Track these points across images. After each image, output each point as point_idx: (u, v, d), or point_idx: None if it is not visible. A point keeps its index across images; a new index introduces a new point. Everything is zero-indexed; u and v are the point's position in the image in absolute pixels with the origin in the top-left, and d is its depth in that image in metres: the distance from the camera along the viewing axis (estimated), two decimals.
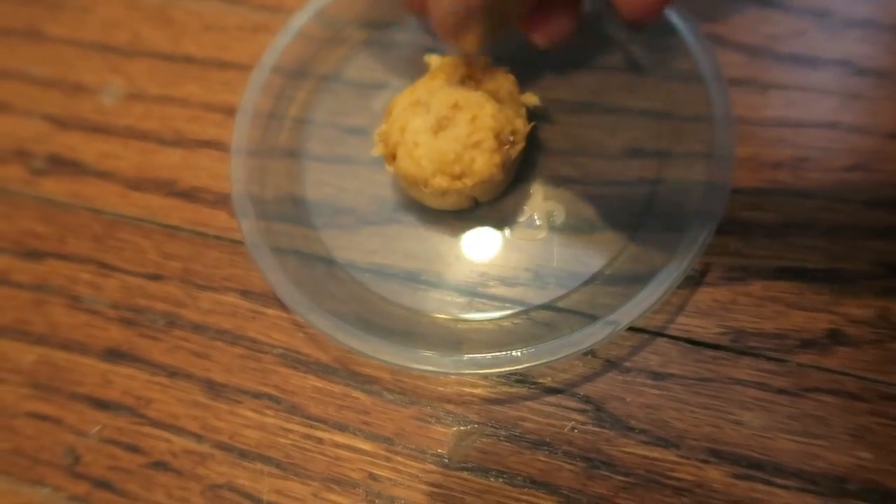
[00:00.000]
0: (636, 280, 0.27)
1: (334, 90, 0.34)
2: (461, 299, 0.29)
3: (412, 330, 0.29)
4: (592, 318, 0.27)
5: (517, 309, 0.29)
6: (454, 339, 0.28)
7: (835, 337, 0.27)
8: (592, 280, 0.29)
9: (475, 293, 0.29)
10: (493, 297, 0.29)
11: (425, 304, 0.29)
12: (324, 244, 0.31)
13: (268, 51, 0.33)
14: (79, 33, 0.39)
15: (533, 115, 0.30)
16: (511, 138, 0.28)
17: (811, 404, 0.26)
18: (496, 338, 0.28)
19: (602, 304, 0.28)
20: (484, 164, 0.27)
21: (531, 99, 0.29)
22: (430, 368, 0.26)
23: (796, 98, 0.31)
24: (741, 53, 0.33)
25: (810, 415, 0.26)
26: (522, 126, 0.29)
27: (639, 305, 0.26)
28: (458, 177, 0.28)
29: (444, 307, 0.29)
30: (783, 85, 0.32)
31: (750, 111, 0.31)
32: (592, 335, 0.26)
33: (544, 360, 0.26)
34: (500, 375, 0.28)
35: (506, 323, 0.29)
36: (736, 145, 0.29)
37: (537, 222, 0.30)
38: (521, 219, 0.30)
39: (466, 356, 0.26)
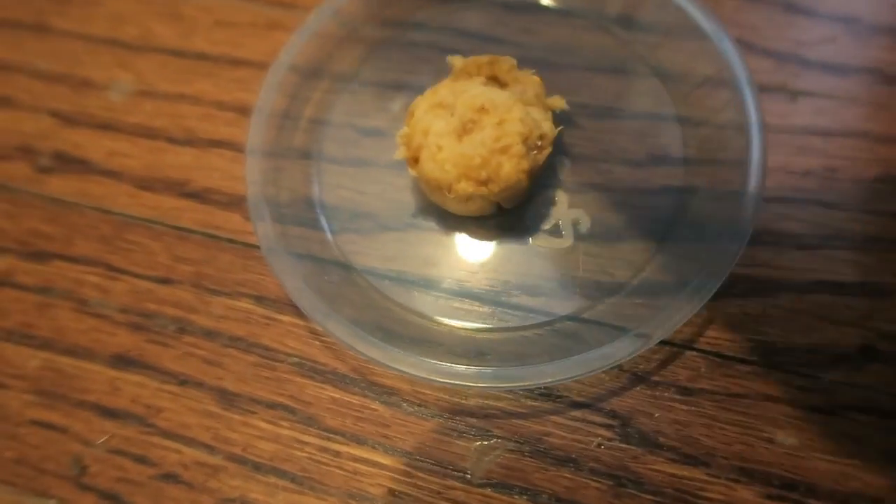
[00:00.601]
0: (665, 291, 0.27)
1: (351, 90, 0.33)
2: (483, 308, 0.28)
3: (433, 339, 0.28)
4: (620, 330, 0.26)
5: (541, 319, 0.28)
6: (476, 350, 0.27)
7: (867, 353, 0.26)
8: (619, 290, 0.28)
9: (498, 302, 0.28)
10: (516, 307, 0.28)
11: (446, 314, 0.28)
12: (341, 249, 0.30)
13: (284, 49, 0.32)
14: (87, 27, 0.38)
15: (558, 119, 0.29)
16: (539, 143, 0.27)
17: (844, 423, 0.26)
18: (520, 349, 0.27)
19: (630, 315, 0.27)
20: (511, 169, 0.26)
21: (558, 103, 0.29)
22: (453, 381, 0.25)
23: (825, 106, 0.31)
24: (769, 59, 0.32)
25: (844, 433, 0.25)
26: (550, 131, 0.28)
27: (671, 318, 0.25)
28: (484, 182, 0.27)
29: (466, 316, 0.28)
30: (812, 92, 0.31)
31: (778, 119, 0.31)
32: (622, 349, 0.25)
33: (572, 375, 0.25)
34: (524, 389, 0.27)
35: (529, 334, 0.28)
36: (767, 153, 0.28)
37: (562, 230, 0.29)
38: (546, 226, 0.29)
39: (490, 368, 0.26)
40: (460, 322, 0.28)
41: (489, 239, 0.29)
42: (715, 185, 0.29)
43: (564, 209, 0.30)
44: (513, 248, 0.29)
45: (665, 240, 0.28)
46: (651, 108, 0.31)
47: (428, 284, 0.29)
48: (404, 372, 0.26)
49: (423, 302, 0.29)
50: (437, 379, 0.26)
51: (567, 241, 0.29)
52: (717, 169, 0.29)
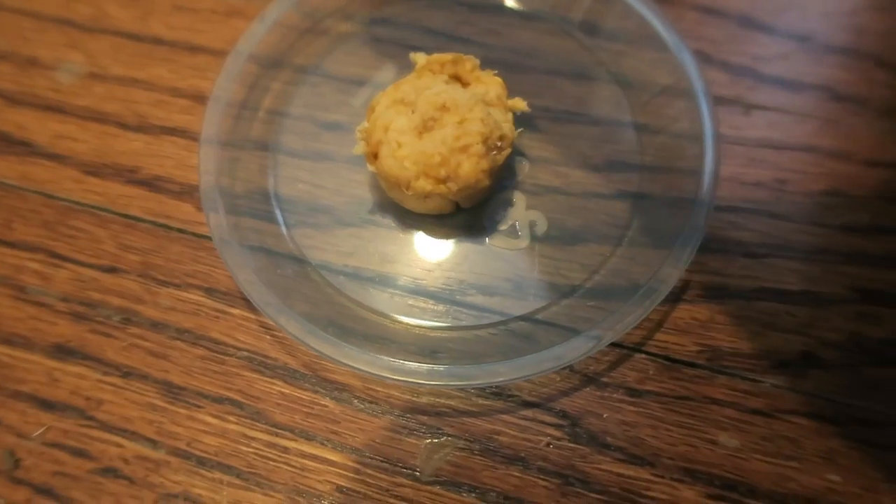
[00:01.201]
0: (617, 294, 0.27)
1: (312, 83, 0.33)
2: (438, 307, 0.28)
3: (386, 336, 0.28)
4: (572, 332, 0.26)
5: (495, 319, 0.28)
6: (430, 348, 0.27)
7: (808, 359, 0.27)
8: (573, 292, 0.28)
9: (453, 301, 0.28)
10: (471, 306, 0.28)
11: (401, 311, 0.28)
12: (296, 243, 0.29)
13: (244, 37, 0.31)
14: (36, 4, 0.36)
15: (518, 121, 0.29)
16: (499, 144, 0.27)
17: (784, 426, 0.26)
18: (473, 348, 0.27)
19: (582, 317, 0.27)
20: (471, 169, 0.26)
21: (519, 104, 0.29)
22: (404, 378, 0.25)
23: (778, 120, 0.32)
24: (726, 72, 0.33)
25: (783, 436, 0.26)
26: (510, 132, 0.28)
27: (621, 321, 0.26)
28: (443, 180, 0.27)
29: (421, 314, 0.28)
30: (766, 106, 0.32)
31: (732, 130, 0.31)
32: (573, 350, 0.25)
33: (524, 374, 0.25)
34: (476, 387, 0.27)
35: (483, 333, 0.28)
36: (721, 163, 0.29)
37: (519, 231, 0.29)
38: (503, 227, 0.29)
39: (443, 367, 0.26)
40: (415, 320, 0.28)
41: (446, 238, 0.29)
42: (669, 192, 0.29)
43: (522, 210, 0.30)
44: (469, 247, 0.29)
45: (619, 244, 0.29)
46: (610, 114, 0.31)
47: (383, 281, 0.29)
48: (356, 368, 0.25)
49: (379, 299, 0.28)
50: (390, 376, 0.25)
51: (523, 242, 0.29)
52: (671, 176, 0.29)
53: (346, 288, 0.29)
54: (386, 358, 0.25)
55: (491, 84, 0.29)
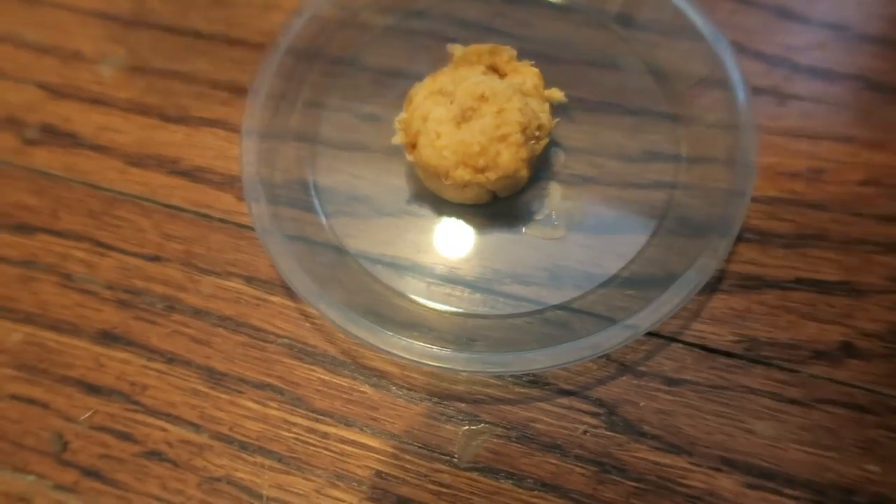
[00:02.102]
0: (653, 284, 0.27)
1: (349, 75, 0.33)
2: (475, 296, 0.29)
3: (423, 324, 0.28)
4: (609, 321, 0.26)
5: (532, 308, 0.28)
6: (466, 336, 0.28)
7: (847, 349, 0.27)
8: (609, 282, 0.28)
9: (490, 290, 0.29)
10: (507, 295, 0.28)
11: (438, 299, 0.29)
12: (334, 232, 0.30)
13: (283, 31, 0.32)
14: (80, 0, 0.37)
15: (554, 112, 0.29)
16: (537, 133, 0.28)
17: (822, 416, 0.26)
18: (510, 336, 0.28)
19: (619, 306, 0.27)
20: (510, 158, 0.27)
21: (556, 94, 0.29)
22: (442, 365, 0.26)
23: (814, 110, 0.32)
24: (761, 63, 0.33)
25: (821, 426, 0.26)
26: (548, 122, 0.28)
27: (658, 311, 0.26)
28: (482, 170, 0.27)
29: (458, 303, 0.28)
30: (801, 96, 0.32)
31: (768, 120, 0.31)
32: (610, 339, 0.26)
33: (560, 362, 0.26)
34: (513, 375, 0.27)
35: (520, 322, 0.28)
36: (757, 154, 0.29)
37: (555, 221, 0.30)
38: (539, 217, 0.30)
39: (480, 354, 0.26)
40: (451, 308, 0.28)
41: (483, 227, 0.30)
42: (705, 183, 0.29)
43: (558, 200, 0.30)
44: (506, 236, 0.30)
45: (655, 234, 0.29)
46: (645, 104, 0.31)
47: (420, 270, 0.29)
48: (395, 355, 0.26)
49: (416, 287, 0.29)
50: (427, 362, 0.26)
51: (559, 232, 0.29)
52: (707, 167, 0.29)
53: (383, 276, 0.29)
54: (423, 345, 0.26)
55: (528, 74, 0.29)
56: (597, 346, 0.26)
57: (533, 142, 0.27)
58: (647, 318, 0.26)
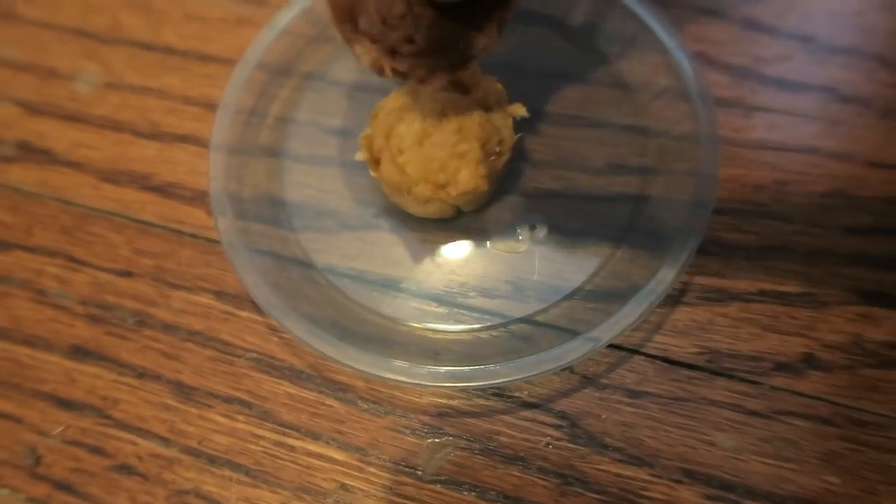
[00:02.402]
0: (616, 296, 0.27)
1: (319, 90, 0.33)
2: (440, 309, 0.29)
3: (389, 338, 0.28)
4: (572, 334, 0.27)
5: (496, 321, 0.28)
6: (431, 350, 0.28)
7: (809, 361, 0.27)
8: (572, 295, 0.29)
9: (454, 303, 0.29)
10: (472, 308, 0.29)
11: (403, 313, 0.29)
12: (302, 247, 0.30)
13: (252, 46, 0.32)
14: (55, 16, 0.37)
15: (519, 125, 0.30)
16: (497, 149, 0.28)
17: (783, 427, 0.26)
18: (474, 350, 0.28)
19: (582, 319, 0.28)
20: (469, 175, 0.27)
21: (519, 110, 0.29)
22: (406, 379, 0.26)
23: (780, 122, 0.32)
24: (727, 74, 0.33)
25: (782, 438, 0.26)
26: (509, 137, 0.28)
27: (619, 323, 0.26)
28: (443, 186, 0.27)
29: (423, 317, 0.29)
30: (768, 108, 0.32)
31: (734, 132, 0.32)
32: (572, 351, 0.26)
33: (523, 375, 0.26)
34: (476, 388, 0.28)
35: (484, 335, 0.28)
36: (719, 166, 0.29)
37: (519, 235, 0.30)
38: (504, 230, 0.30)
39: (444, 368, 0.26)
40: (417, 322, 0.29)
41: (448, 241, 0.30)
42: (668, 195, 0.29)
43: (523, 214, 0.30)
44: (471, 250, 0.30)
45: (619, 246, 0.29)
46: (610, 117, 0.32)
47: (387, 284, 0.29)
48: (360, 370, 0.26)
49: (382, 301, 0.29)
50: (392, 377, 0.26)
51: (523, 246, 0.30)
52: (671, 179, 0.30)
53: (350, 291, 0.29)
54: (387, 360, 0.26)
55: (490, 89, 0.29)
56: (560, 359, 0.26)
57: (493, 157, 0.28)
58: (610, 330, 0.26)
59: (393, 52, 0.24)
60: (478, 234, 0.30)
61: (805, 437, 0.26)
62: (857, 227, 0.29)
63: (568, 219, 0.30)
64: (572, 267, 0.29)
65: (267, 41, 0.32)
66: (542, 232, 0.30)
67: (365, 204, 0.31)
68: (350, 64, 0.34)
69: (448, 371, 0.26)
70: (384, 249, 0.30)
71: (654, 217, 0.29)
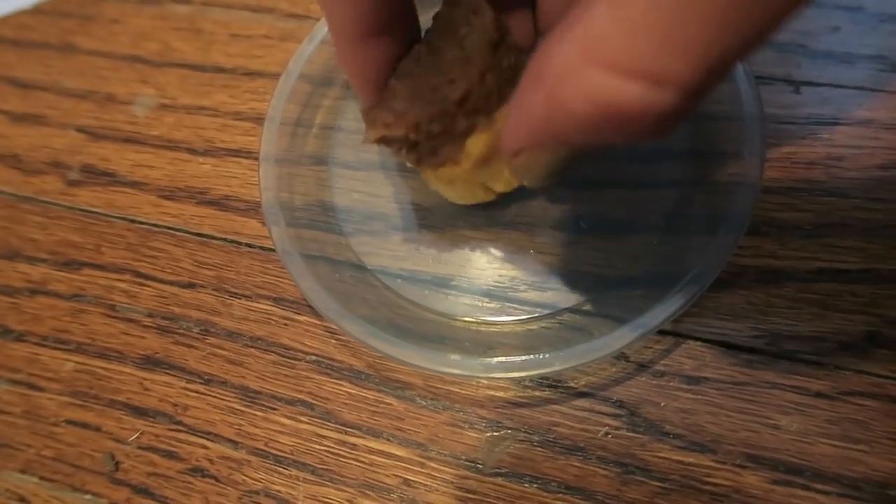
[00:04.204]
0: (667, 282, 0.27)
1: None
2: (492, 304, 0.29)
3: (443, 334, 0.29)
4: (621, 321, 0.26)
5: (547, 312, 0.29)
6: (485, 344, 0.28)
7: (873, 339, 0.27)
8: (623, 283, 0.28)
9: (505, 297, 0.29)
10: (523, 301, 0.29)
11: (456, 309, 0.29)
12: (354, 251, 0.31)
13: (293, 58, 0.33)
14: (110, 45, 0.39)
15: None
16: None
17: (850, 408, 0.26)
18: (527, 341, 0.28)
19: (633, 306, 0.27)
20: (473, 143, 0.26)
21: None
22: (458, 372, 0.26)
23: (830, 95, 0.31)
24: (773, 50, 0.32)
25: (850, 419, 0.26)
26: None
27: (667, 309, 0.26)
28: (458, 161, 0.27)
29: (475, 312, 0.29)
30: (816, 82, 0.31)
31: (782, 109, 0.31)
32: (621, 338, 0.26)
33: (573, 364, 0.26)
34: (531, 380, 0.28)
35: (535, 326, 0.29)
36: (766, 145, 0.28)
37: (567, 225, 0.30)
38: (551, 222, 0.30)
39: (496, 359, 0.26)
40: (470, 317, 0.29)
41: (497, 236, 0.30)
42: (715, 178, 0.29)
43: (570, 205, 0.30)
44: (519, 244, 0.30)
45: (667, 232, 0.29)
46: None
47: (438, 282, 0.30)
48: (414, 366, 0.27)
49: (434, 299, 0.30)
50: (446, 371, 0.26)
51: (572, 236, 0.30)
52: (716, 161, 0.29)
53: (403, 290, 0.30)
54: (441, 354, 0.26)
55: None
56: (609, 346, 0.25)
57: (499, 125, 0.27)
58: (658, 316, 0.26)
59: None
60: (525, 227, 0.30)
61: (874, 416, 0.26)
62: None
63: (614, 206, 0.30)
64: (621, 255, 0.29)
65: (308, 53, 0.33)
66: (588, 221, 0.30)
67: (413, 205, 0.32)
68: None
69: (500, 362, 0.26)
70: (434, 249, 0.30)
71: (702, 201, 0.29)
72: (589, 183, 0.31)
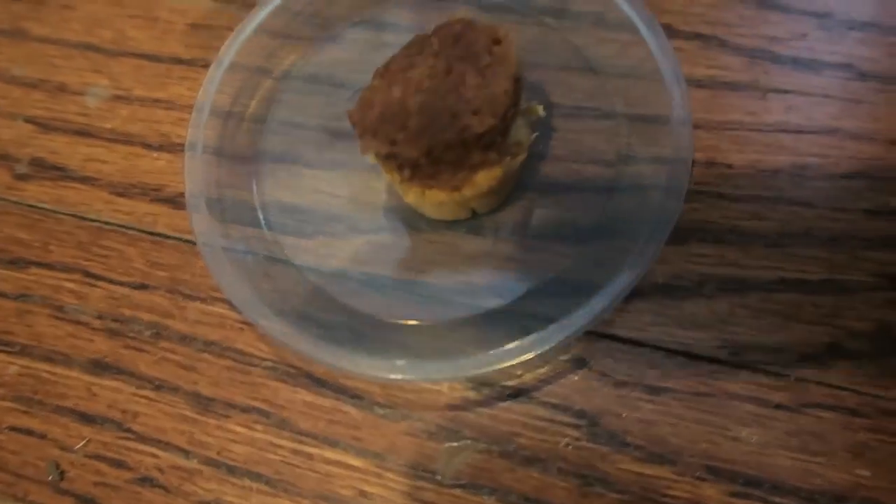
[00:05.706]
0: (592, 287, 0.26)
1: (327, 93, 0.33)
2: (450, 309, 0.28)
3: (397, 340, 0.28)
4: (552, 321, 0.26)
5: (506, 314, 0.28)
6: (442, 349, 0.27)
7: (834, 350, 0.27)
8: (557, 284, 0.28)
9: (465, 304, 0.28)
10: (480, 307, 0.28)
11: (414, 314, 0.28)
12: (315, 252, 0.30)
13: (224, 47, 0.32)
14: (62, 32, 0.38)
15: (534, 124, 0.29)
16: (513, 150, 0.27)
17: (810, 420, 0.26)
18: (484, 345, 0.27)
19: (562, 305, 0.26)
20: (485, 176, 0.26)
21: (536, 110, 0.28)
22: (410, 377, 0.26)
23: (796, 103, 0.31)
24: (741, 56, 0.32)
25: (809, 431, 0.26)
26: (525, 138, 0.28)
27: (592, 310, 0.25)
28: (458, 187, 0.27)
29: (432, 315, 0.28)
30: (783, 89, 0.31)
31: (749, 116, 0.31)
32: (545, 339, 0.25)
33: (505, 363, 0.25)
34: (493, 390, 0.27)
35: (499, 333, 0.28)
36: (692, 147, 0.27)
37: (529, 231, 0.29)
38: (514, 228, 0.29)
39: (445, 362, 0.26)
40: (428, 322, 0.28)
41: (458, 241, 0.30)
42: (642, 182, 0.29)
43: (536, 211, 0.30)
44: (480, 249, 0.29)
45: (596, 237, 0.29)
46: (615, 107, 0.31)
47: (396, 286, 0.29)
48: (347, 372, 0.26)
49: (389, 303, 0.29)
50: (385, 377, 0.26)
51: (533, 242, 0.29)
52: (644, 165, 0.29)
53: (360, 295, 0.29)
54: (370, 358, 0.26)
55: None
56: (535, 347, 0.25)
57: (509, 158, 0.27)
58: (579, 318, 0.25)
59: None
60: (487, 233, 0.30)
61: (833, 429, 0.26)
62: (880, 209, 0.28)
63: (581, 214, 0.29)
64: (586, 262, 0.28)
65: (241, 41, 0.32)
66: (554, 229, 0.29)
67: (376, 207, 0.31)
68: (354, 66, 0.34)
69: (412, 364, 0.26)
70: (395, 252, 0.30)
71: (628, 207, 0.29)
72: (556, 188, 0.30)
